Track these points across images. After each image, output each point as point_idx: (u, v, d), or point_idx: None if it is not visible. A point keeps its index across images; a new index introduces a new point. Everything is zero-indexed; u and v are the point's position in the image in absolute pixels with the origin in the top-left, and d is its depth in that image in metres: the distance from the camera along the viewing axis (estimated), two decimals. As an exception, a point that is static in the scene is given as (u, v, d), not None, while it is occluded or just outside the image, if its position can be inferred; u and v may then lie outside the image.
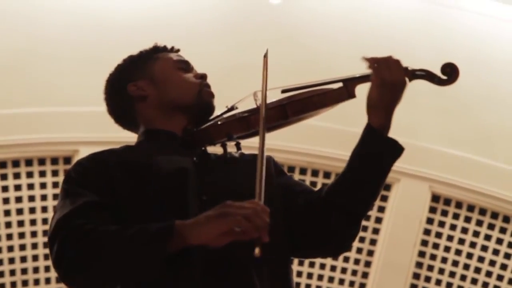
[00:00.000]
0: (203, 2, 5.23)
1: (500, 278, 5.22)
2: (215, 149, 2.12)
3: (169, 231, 1.78)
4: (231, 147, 2.13)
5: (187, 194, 1.94)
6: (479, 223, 5.22)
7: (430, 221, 5.24)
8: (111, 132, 4.85)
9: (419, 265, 5.26)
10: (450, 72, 2.14)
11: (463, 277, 5.25)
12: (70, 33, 5.03)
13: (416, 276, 5.26)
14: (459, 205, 5.24)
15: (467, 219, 5.23)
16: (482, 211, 5.22)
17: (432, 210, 5.23)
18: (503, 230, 5.21)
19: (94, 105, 5.01)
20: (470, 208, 5.23)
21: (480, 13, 5.31)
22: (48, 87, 5.01)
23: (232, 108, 2.14)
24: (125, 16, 5.10)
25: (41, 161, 5.06)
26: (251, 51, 5.19)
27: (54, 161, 5.07)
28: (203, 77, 2.21)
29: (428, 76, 2.15)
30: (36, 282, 5.09)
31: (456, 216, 5.24)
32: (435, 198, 5.23)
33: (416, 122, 4.98)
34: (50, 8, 5.04)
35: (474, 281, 5.24)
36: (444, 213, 5.25)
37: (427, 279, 5.26)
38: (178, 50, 2.30)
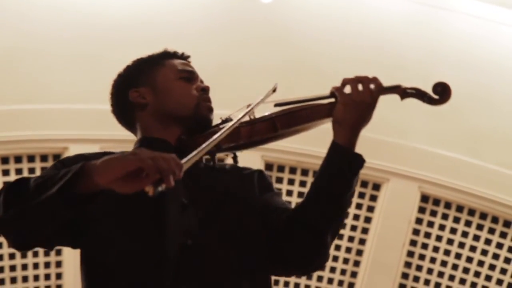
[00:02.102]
0: (194, 0, 5.23)
1: (488, 278, 5.23)
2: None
3: (77, 169, 1.76)
4: (229, 160, 2.16)
5: (166, 195, 1.86)
6: (468, 223, 5.24)
7: (419, 221, 5.25)
8: (101, 130, 4.88)
9: (408, 265, 5.27)
10: (442, 92, 2.14)
11: (451, 277, 5.26)
12: (60, 30, 5.02)
13: (405, 275, 5.27)
14: (448, 205, 5.25)
15: (456, 220, 5.25)
16: (471, 212, 5.24)
17: (421, 210, 5.25)
18: (491, 231, 5.23)
19: (84, 103, 5.02)
20: (459, 208, 5.24)
21: (470, 15, 5.33)
22: (37, 84, 5.00)
23: (226, 120, 2.15)
24: (116, 13, 5.10)
25: (31, 158, 5.05)
26: (241, 50, 5.20)
27: (44, 158, 5.06)
28: (204, 89, 2.20)
29: (418, 94, 2.14)
30: (25, 279, 5.08)
31: (445, 217, 5.25)
32: (424, 198, 5.24)
33: (406, 122, 4.99)
34: (40, 4, 5.03)
35: (462, 281, 5.25)
36: (433, 213, 5.26)
37: (416, 279, 5.27)
38: (187, 57, 2.30)
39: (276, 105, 2.13)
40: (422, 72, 5.15)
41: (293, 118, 2.10)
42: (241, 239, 2.00)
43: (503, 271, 5.22)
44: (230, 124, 1.96)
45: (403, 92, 2.15)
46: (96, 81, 5.04)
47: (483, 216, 5.23)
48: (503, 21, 5.34)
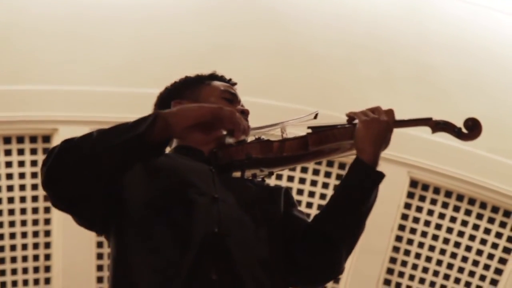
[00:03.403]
0: (186, -17, 5.21)
1: (475, 263, 5.26)
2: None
3: (154, 116, 1.92)
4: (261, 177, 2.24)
5: (200, 188, 2.04)
6: (456, 209, 5.25)
7: (408, 206, 5.26)
8: (91, 112, 4.87)
9: (396, 249, 5.28)
10: (472, 127, 2.22)
11: (439, 262, 5.28)
12: (52, 7, 4.99)
13: (393, 260, 5.29)
14: (437, 190, 5.27)
15: (445, 205, 5.26)
16: (460, 197, 5.25)
17: (410, 195, 5.26)
18: (479, 216, 5.24)
19: (75, 84, 5.00)
20: (448, 194, 5.26)
21: (461, 0, 5.32)
22: (28, 64, 4.97)
23: (259, 138, 2.22)
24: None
25: (20, 139, 5.04)
26: (232, 32, 5.18)
27: (33, 139, 5.04)
28: (243, 112, 2.27)
29: (449, 128, 2.24)
30: (13, 260, 5.07)
31: (433, 202, 5.27)
32: (413, 183, 5.26)
33: (395, 107, 4.97)
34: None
35: (450, 266, 5.27)
36: (422, 198, 5.27)
37: (404, 264, 5.29)
38: (234, 84, 2.36)
39: (309, 127, 2.21)
40: (413, 57, 5.15)
41: (324, 137, 2.16)
42: (265, 237, 2.07)
43: (490, 256, 5.24)
44: (277, 125, 2.14)
45: (434, 125, 2.26)
46: (87, 62, 5.03)
47: (472, 201, 5.24)
48: (494, 6, 5.34)
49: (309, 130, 2.18)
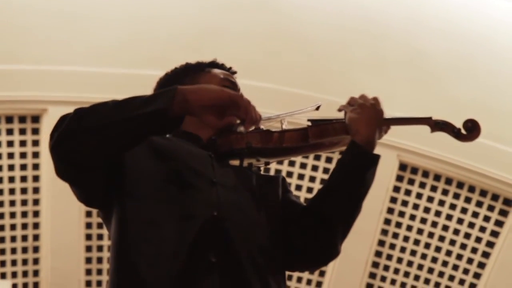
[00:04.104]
0: (177, -37, 5.18)
1: (463, 246, 5.28)
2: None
3: (172, 89, 1.94)
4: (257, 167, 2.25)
5: (199, 172, 2.06)
6: (445, 192, 5.27)
7: (396, 189, 5.28)
8: (80, 92, 4.85)
9: (384, 232, 5.31)
10: (471, 128, 2.21)
11: (427, 245, 5.31)
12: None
13: (381, 243, 5.31)
14: (425, 174, 5.28)
15: (433, 188, 5.28)
16: (448, 181, 5.27)
17: (399, 178, 5.27)
18: (468, 200, 5.26)
19: (65, 64, 4.98)
20: (437, 177, 5.28)
21: (453, -16, 5.32)
22: (17, 43, 4.95)
23: (258, 128, 2.22)
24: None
25: (9, 119, 5.02)
26: (224, 15, 5.16)
27: (22, 119, 5.03)
28: None
29: (448, 128, 2.22)
30: (2, 240, 5.07)
31: (422, 185, 5.28)
32: (403, 166, 5.27)
33: (386, 90, 4.98)
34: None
35: (438, 249, 5.30)
36: (411, 181, 5.29)
37: (392, 246, 5.32)
38: (234, 72, 2.37)
39: (310, 120, 2.21)
40: (405, 40, 5.15)
41: (325, 130, 2.17)
42: (264, 222, 2.08)
43: (478, 240, 5.27)
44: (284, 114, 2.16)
45: (434, 125, 2.23)
46: (78, 43, 5.00)
47: (460, 185, 5.27)
48: (486, -9, 5.34)
49: (309, 123, 2.18)
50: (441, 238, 5.29)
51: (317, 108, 2.26)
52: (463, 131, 2.21)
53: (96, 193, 2.05)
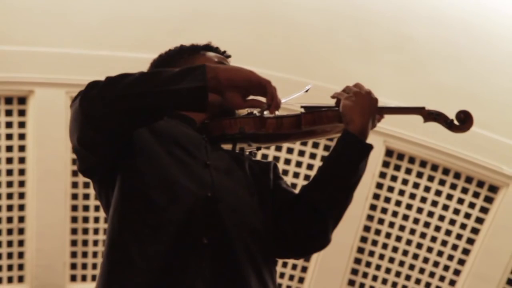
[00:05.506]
0: None
1: (448, 233, 5.31)
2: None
3: (201, 66, 1.97)
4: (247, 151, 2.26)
5: (192, 153, 2.07)
6: (431, 178, 5.29)
7: (382, 175, 5.29)
8: (67, 74, 4.83)
9: (370, 218, 5.32)
10: (464, 119, 2.22)
11: (412, 231, 5.33)
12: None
13: (367, 228, 5.33)
14: (412, 160, 5.30)
15: (419, 174, 5.30)
16: (434, 167, 5.29)
17: (385, 164, 5.29)
18: (453, 186, 5.29)
19: (51, 46, 4.95)
20: (423, 163, 5.29)
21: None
22: (4, 25, 4.92)
23: (251, 113, 2.22)
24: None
25: (-5, 101, 5.01)
26: (211, -2, 5.15)
27: (8, 100, 5.01)
28: None
29: (441, 119, 2.24)
30: (-13, 222, 5.07)
31: (408, 171, 5.30)
32: (389, 152, 5.28)
33: (372, 76, 4.99)
34: None
35: (423, 235, 5.32)
36: (397, 167, 5.31)
37: (377, 232, 5.34)
38: (229, 56, 2.38)
39: (303, 106, 2.21)
40: (391, 26, 5.15)
41: (318, 117, 2.16)
42: (256, 207, 2.09)
43: (463, 226, 5.29)
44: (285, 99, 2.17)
45: (427, 115, 2.25)
46: (64, 24, 4.98)
47: (446, 171, 5.28)
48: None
49: (302, 109, 2.19)
50: (426, 224, 5.32)
51: (307, 91, 2.26)
52: (456, 122, 2.23)
53: (104, 162, 2.04)
